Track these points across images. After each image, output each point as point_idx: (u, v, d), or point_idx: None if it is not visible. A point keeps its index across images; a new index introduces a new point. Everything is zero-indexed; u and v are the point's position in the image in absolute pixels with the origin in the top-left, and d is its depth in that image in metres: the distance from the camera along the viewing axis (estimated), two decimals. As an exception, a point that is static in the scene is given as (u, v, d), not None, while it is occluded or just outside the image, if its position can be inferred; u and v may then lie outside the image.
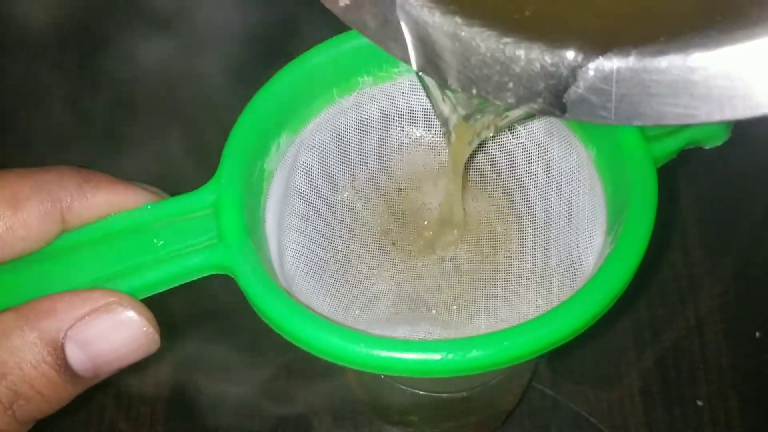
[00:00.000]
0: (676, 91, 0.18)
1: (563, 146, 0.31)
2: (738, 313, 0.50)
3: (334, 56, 0.30)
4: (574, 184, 0.31)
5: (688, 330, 0.50)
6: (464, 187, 0.31)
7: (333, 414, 0.47)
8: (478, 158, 0.33)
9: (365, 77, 0.31)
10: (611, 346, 0.49)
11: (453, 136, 0.27)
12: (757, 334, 0.50)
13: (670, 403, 0.48)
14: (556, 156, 0.31)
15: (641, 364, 0.49)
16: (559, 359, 0.48)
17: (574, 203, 0.30)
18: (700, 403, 0.48)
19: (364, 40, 0.29)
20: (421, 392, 0.38)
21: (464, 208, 0.31)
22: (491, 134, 0.28)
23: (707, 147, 0.29)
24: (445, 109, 0.27)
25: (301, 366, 0.47)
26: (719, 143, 0.29)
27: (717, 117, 0.18)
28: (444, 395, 0.38)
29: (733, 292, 0.51)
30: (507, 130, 0.32)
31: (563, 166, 0.31)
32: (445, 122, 0.27)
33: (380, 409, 0.45)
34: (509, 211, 0.32)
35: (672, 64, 0.18)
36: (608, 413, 0.47)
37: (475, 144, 0.28)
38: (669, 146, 0.28)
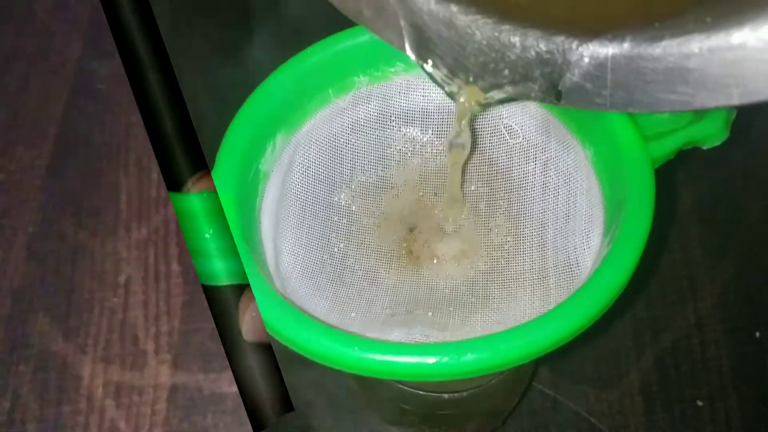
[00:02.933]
0: (671, 78, 0.18)
1: (561, 146, 0.31)
2: (738, 313, 0.50)
3: (329, 56, 0.30)
4: (572, 185, 0.30)
5: (688, 330, 0.50)
6: (461, 184, 0.31)
7: (333, 414, 0.47)
8: (475, 158, 0.33)
9: (361, 77, 0.31)
10: (611, 346, 0.49)
11: (461, 95, 0.26)
12: (757, 334, 0.49)
13: (670, 403, 0.48)
14: (554, 156, 0.31)
15: (641, 364, 0.49)
16: (559, 359, 0.48)
17: (571, 204, 0.30)
18: (700, 403, 0.48)
19: (359, 40, 0.30)
20: (421, 392, 0.38)
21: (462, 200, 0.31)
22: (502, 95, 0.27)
23: (706, 147, 0.29)
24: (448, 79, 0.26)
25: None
26: (718, 143, 0.28)
27: (712, 104, 0.18)
28: (445, 395, 0.38)
29: (733, 292, 0.51)
30: (503, 129, 0.31)
31: (561, 166, 0.31)
32: (449, 85, 0.26)
33: (380, 408, 0.45)
34: (506, 212, 0.32)
35: (667, 51, 0.18)
36: (608, 413, 0.47)
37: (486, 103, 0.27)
38: (667, 146, 0.28)
